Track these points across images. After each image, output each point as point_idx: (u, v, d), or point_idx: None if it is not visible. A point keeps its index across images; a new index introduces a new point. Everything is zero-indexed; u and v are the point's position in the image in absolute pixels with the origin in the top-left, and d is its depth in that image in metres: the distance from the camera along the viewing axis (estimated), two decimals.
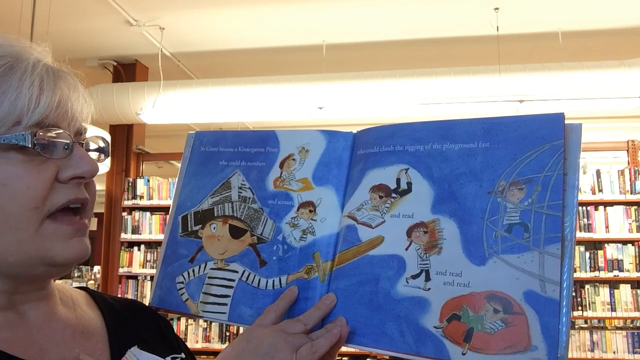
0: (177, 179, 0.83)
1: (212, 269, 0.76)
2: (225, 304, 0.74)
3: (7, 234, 0.56)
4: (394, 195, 0.70)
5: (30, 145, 0.55)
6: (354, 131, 0.77)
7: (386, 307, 0.65)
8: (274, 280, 0.72)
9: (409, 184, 0.69)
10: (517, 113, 5.10)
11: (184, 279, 0.77)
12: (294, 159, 0.77)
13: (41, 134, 0.56)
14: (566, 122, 0.63)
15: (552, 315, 0.57)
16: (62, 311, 0.66)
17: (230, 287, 0.74)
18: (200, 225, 0.79)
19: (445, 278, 0.63)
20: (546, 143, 0.62)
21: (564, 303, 0.57)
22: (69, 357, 0.62)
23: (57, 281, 0.70)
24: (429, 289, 0.63)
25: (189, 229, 0.80)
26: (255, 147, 0.80)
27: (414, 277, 0.65)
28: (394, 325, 0.64)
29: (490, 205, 0.63)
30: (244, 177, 0.78)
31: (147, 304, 0.80)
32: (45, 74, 0.58)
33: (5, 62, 0.57)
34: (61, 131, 0.58)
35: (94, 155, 0.66)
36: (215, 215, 0.78)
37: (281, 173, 0.77)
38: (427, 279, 0.64)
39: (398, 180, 0.70)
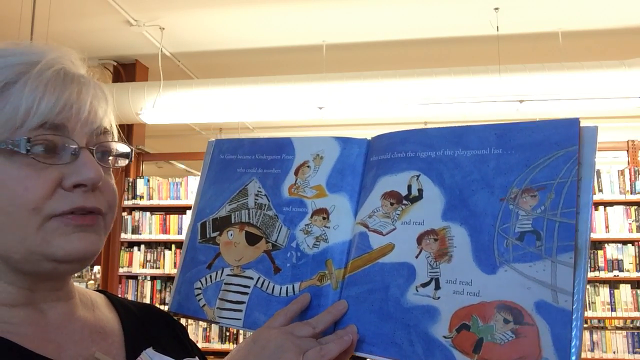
0: (197, 185, 0.85)
1: (228, 275, 0.76)
2: (241, 310, 0.74)
3: (10, 233, 0.57)
4: (404, 202, 0.69)
5: (23, 151, 0.55)
6: (369, 137, 0.77)
7: (396, 316, 0.64)
8: (287, 287, 0.73)
9: (420, 191, 0.68)
10: (517, 113, 5.11)
11: (202, 285, 0.78)
12: (308, 166, 0.77)
13: (39, 138, 0.56)
14: (582, 124, 0.62)
15: (563, 327, 0.55)
16: (81, 312, 0.68)
17: (246, 293, 0.74)
18: (218, 232, 0.80)
19: (455, 287, 0.62)
20: (560, 149, 0.61)
21: (577, 314, 0.56)
22: (85, 355, 0.63)
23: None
24: (439, 297, 0.63)
25: (207, 236, 0.81)
26: (271, 154, 0.80)
27: (424, 285, 0.64)
28: (403, 334, 0.63)
29: (502, 212, 0.62)
30: (261, 184, 0.79)
31: (153, 306, 0.82)
32: (55, 77, 0.58)
33: (18, 69, 0.57)
34: (62, 136, 0.58)
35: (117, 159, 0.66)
36: (232, 222, 0.79)
37: (296, 180, 0.77)
38: (437, 287, 0.63)
39: (409, 187, 0.69)
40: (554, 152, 0.62)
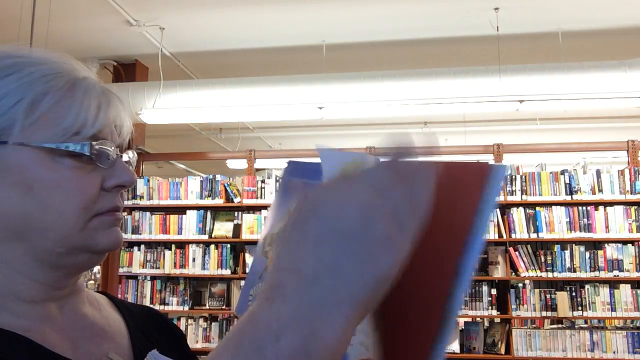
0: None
1: None
2: None
3: (59, 230, 0.61)
4: None
5: (88, 154, 0.61)
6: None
7: None
8: None
9: None
10: (517, 113, 5.10)
11: (253, 292, 0.84)
12: None
13: (95, 145, 0.63)
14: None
15: None
16: (89, 309, 0.70)
17: None
18: (270, 247, 0.86)
19: (361, 337, 0.58)
20: None
21: None
22: (97, 354, 0.65)
23: None
24: (352, 344, 0.56)
25: (264, 249, 0.88)
26: (310, 178, 0.85)
27: None
28: None
29: None
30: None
31: (152, 308, 0.83)
32: (102, 94, 0.65)
33: (66, 80, 0.63)
34: (111, 144, 0.65)
35: None
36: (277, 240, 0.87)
37: None
38: (354, 333, 0.61)
39: None
40: None
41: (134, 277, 5.01)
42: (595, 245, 4.51)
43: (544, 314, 4.47)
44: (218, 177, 5.00)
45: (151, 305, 4.83)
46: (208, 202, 4.96)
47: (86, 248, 0.63)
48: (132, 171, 0.67)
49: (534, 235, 4.51)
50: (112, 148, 0.65)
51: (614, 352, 4.32)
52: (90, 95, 0.63)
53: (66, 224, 0.61)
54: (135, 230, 5.03)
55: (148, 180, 5.09)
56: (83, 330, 0.66)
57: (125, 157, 0.70)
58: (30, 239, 0.60)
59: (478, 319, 4.64)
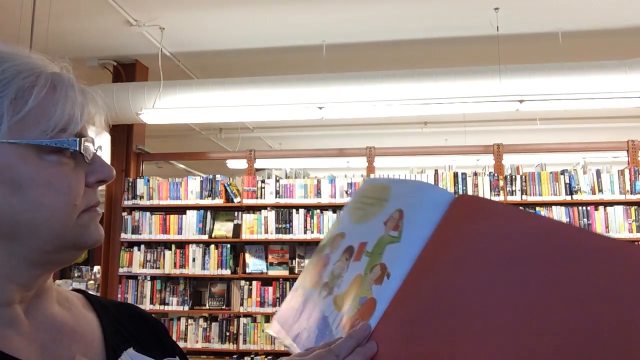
0: None
1: None
2: None
3: (50, 228, 0.60)
4: None
5: (78, 150, 0.61)
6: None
7: None
8: None
9: None
10: (517, 113, 5.10)
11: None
12: None
13: (83, 141, 0.63)
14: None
15: None
16: (58, 309, 0.68)
17: None
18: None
19: None
20: None
21: None
22: (65, 356, 0.63)
23: (56, 281, 0.71)
24: None
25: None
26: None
27: None
28: None
29: None
30: None
31: (132, 305, 0.81)
32: (81, 92, 0.65)
33: (46, 76, 0.62)
34: (91, 139, 0.65)
35: None
36: None
37: None
38: None
39: None
40: None
41: (134, 277, 5.01)
42: None
43: None
44: (218, 177, 5.00)
45: (151, 306, 4.83)
46: (208, 202, 4.96)
47: (74, 245, 0.62)
48: (111, 166, 0.67)
49: None
50: (93, 144, 0.65)
51: None
52: (73, 92, 0.62)
53: (57, 221, 0.60)
54: (135, 230, 5.03)
55: (148, 180, 5.09)
56: (51, 331, 0.64)
57: (99, 152, 0.69)
58: (17, 239, 0.59)
59: None
